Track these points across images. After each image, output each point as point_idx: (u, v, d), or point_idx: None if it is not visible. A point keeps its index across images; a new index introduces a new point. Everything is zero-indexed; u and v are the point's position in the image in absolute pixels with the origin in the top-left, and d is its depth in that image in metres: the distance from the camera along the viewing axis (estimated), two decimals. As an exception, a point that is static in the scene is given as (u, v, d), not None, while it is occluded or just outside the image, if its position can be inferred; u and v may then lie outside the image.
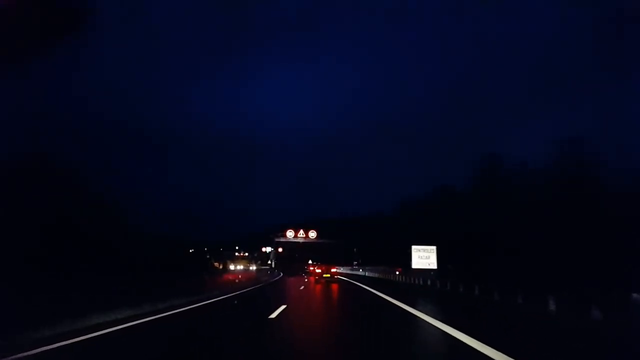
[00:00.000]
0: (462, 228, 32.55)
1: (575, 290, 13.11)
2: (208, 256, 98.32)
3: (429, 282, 25.43)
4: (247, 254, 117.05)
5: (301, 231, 64.80)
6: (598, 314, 9.85)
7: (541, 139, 60.99)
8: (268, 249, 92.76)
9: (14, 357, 5.54)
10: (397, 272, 37.45)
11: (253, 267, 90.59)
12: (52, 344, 6.40)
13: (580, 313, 10.38)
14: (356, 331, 8.96)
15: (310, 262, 57.79)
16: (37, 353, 5.89)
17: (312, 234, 64.92)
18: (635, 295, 8.94)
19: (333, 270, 37.11)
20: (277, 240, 69.06)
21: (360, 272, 60.11)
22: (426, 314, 10.68)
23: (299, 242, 67.70)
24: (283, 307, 12.55)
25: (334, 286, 27.67)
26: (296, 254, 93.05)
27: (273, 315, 10.64)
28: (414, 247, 29.97)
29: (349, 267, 70.51)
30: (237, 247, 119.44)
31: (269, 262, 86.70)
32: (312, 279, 37.68)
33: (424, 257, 29.51)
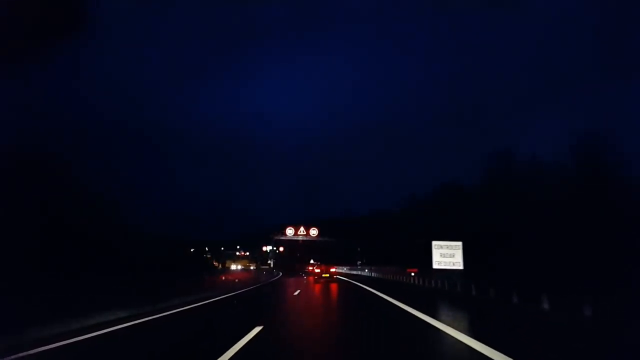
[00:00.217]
0: (471, 226, 30.14)
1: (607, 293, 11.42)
2: (209, 255, 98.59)
3: (458, 287, 20.30)
4: (247, 253, 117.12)
5: (301, 229, 61.15)
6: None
7: (554, 133, 55.55)
8: (269, 249, 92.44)
9: (14, 357, 5.55)
10: (413, 274, 31.12)
11: (252, 267, 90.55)
12: (52, 344, 6.43)
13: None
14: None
15: (311, 261, 54.06)
16: (37, 353, 5.91)
17: (313, 232, 61.43)
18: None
19: (332, 270, 37.11)
20: (276, 238, 66.19)
21: (366, 272, 53.75)
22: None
23: (299, 241, 64.61)
24: (256, 330, 7.78)
25: (336, 292, 21.70)
26: (297, 254, 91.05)
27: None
28: (434, 243, 24.41)
29: (353, 267, 66.50)
30: (238, 247, 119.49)
31: (269, 261, 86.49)
32: (311, 278, 37.70)
33: (447, 255, 24.20)
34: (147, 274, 25.23)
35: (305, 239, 62.20)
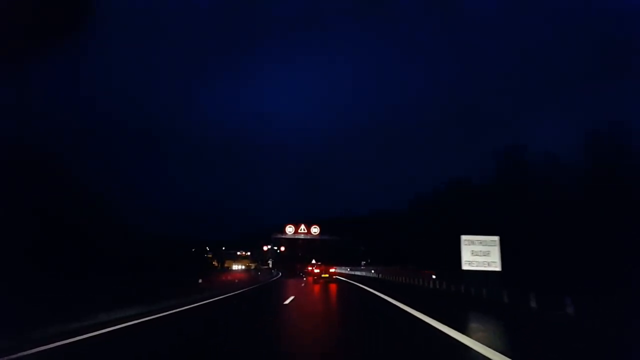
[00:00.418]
0: (481, 223, 28.23)
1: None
2: (210, 255, 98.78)
3: (504, 296, 14.97)
4: (249, 253, 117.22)
5: (302, 226, 57.57)
6: None
7: (569, 127, 53.25)
8: (270, 248, 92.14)
9: (14, 356, 5.58)
10: (433, 276, 26.93)
11: (251, 267, 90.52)
12: (52, 343, 6.46)
13: None
14: None
15: (313, 261, 51.76)
16: (37, 352, 5.94)
17: (315, 230, 57.87)
18: None
19: (331, 270, 37.25)
20: (275, 237, 62.60)
21: (372, 273, 48.25)
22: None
23: (300, 240, 61.33)
24: None
25: (341, 300, 17.45)
26: (299, 253, 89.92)
27: None
28: (464, 238, 19.84)
29: (356, 268, 61.62)
30: (239, 246, 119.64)
31: (268, 262, 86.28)
32: (310, 279, 37.77)
33: (480, 253, 19.40)
34: (145, 274, 25.27)
35: (305, 237, 59.16)
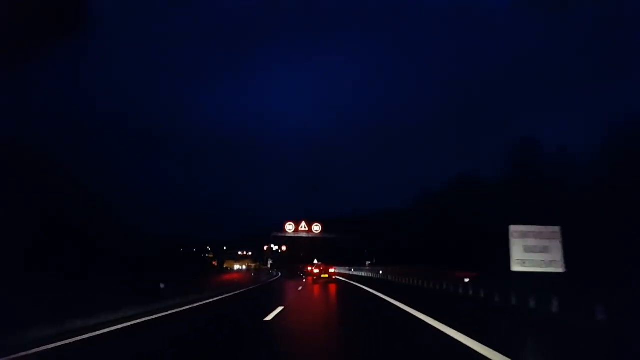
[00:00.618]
0: (493, 221, 25.92)
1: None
2: (212, 255, 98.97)
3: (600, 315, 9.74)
4: (250, 253, 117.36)
5: (303, 224, 53.61)
6: None
7: (584, 122, 48.91)
8: (272, 247, 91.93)
9: (14, 356, 5.61)
10: (467, 279, 20.24)
11: (249, 267, 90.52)
12: (51, 344, 6.50)
13: None
14: None
15: (315, 261, 48.40)
16: (37, 352, 5.97)
17: (316, 228, 53.85)
18: None
19: (331, 270, 37.44)
20: (275, 235, 58.26)
21: (380, 274, 42.07)
22: None
23: (301, 239, 57.50)
24: None
25: (350, 310, 14.42)
26: (301, 254, 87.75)
27: None
28: (513, 229, 15.31)
29: (361, 268, 57.10)
30: (241, 246, 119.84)
31: (269, 262, 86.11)
32: (310, 279, 37.85)
33: (536, 249, 14.94)
34: (145, 274, 25.31)
35: (307, 235, 54.97)
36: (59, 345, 6.48)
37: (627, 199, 19.15)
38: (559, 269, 14.70)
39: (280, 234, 56.22)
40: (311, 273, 39.73)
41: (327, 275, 35.60)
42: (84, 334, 7.45)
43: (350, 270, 59.39)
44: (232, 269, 76.44)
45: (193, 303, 14.27)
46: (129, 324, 9.10)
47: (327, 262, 44.40)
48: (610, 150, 23.71)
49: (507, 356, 5.52)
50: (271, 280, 42.84)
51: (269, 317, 10.18)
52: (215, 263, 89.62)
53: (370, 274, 48.24)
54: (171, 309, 12.01)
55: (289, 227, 53.77)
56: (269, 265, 79.36)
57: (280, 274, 64.53)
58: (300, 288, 25.42)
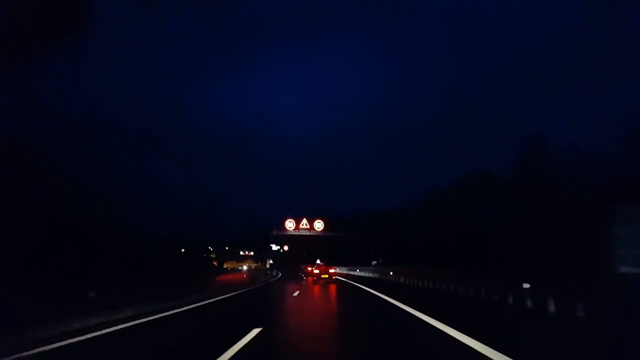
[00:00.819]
0: (505, 219, 24.81)
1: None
2: (213, 255, 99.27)
3: None
4: (252, 252, 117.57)
5: (304, 221, 49.83)
6: None
7: (596, 117, 46.60)
8: (272, 247, 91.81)
9: (14, 357, 5.63)
10: (526, 285, 12.86)
11: (243, 267, 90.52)
12: (52, 344, 6.52)
13: None
14: None
15: (318, 261, 43.88)
16: (37, 353, 5.99)
17: (319, 225, 50.12)
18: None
19: (331, 271, 37.50)
20: (275, 234, 53.81)
21: (391, 275, 35.94)
22: None
23: (303, 237, 53.22)
24: None
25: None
26: (303, 253, 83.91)
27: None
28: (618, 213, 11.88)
29: (367, 268, 51.13)
30: (243, 246, 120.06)
31: (269, 261, 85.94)
32: (310, 279, 37.92)
33: None
34: (146, 274, 25.36)
35: (308, 233, 51.04)
36: (59, 346, 6.50)
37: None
38: None
39: (280, 232, 52.08)
40: (311, 273, 39.80)
41: (327, 276, 35.69)
42: (84, 335, 7.47)
43: (355, 270, 54.68)
44: (233, 269, 76.40)
45: (132, 320, 9.77)
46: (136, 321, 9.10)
47: (329, 262, 43.55)
48: (626, 148, 22.84)
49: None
50: (268, 282, 38.34)
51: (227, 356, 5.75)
52: (215, 263, 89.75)
53: (377, 275, 42.35)
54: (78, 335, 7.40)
55: (289, 224, 49.89)
56: (267, 266, 78.85)
57: (280, 274, 64.11)
58: (296, 294, 19.60)
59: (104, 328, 8.27)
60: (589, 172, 24.40)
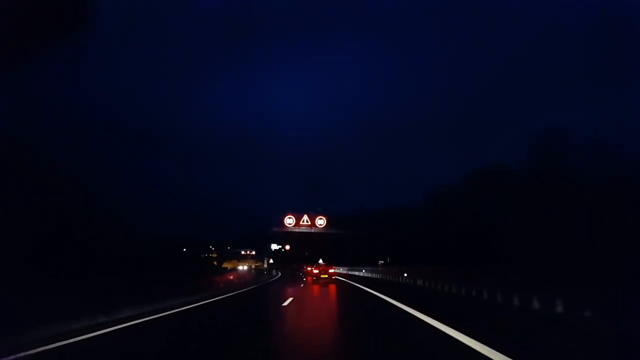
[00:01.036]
0: (518, 216, 23.32)
1: None
2: (214, 255, 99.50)
3: None
4: (254, 252, 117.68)
5: (305, 217, 46.47)
6: None
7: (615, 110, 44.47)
8: (273, 247, 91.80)
9: (14, 357, 5.65)
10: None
11: (253, 266, 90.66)
12: (52, 344, 6.55)
13: None
14: None
15: (320, 261, 42.09)
16: (37, 353, 6.02)
17: (320, 222, 46.64)
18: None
19: (331, 271, 37.65)
20: (274, 230, 50.87)
21: (405, 276, 29.26)
22: None
23: (304, 235, 49.81)
24: None
25: None
26: (306, 253, 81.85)
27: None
28: None
29: (374, 269, 45.97)
30: (245, 246, 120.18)
31: (270, 261, 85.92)
32: (309, 279, 38.02)
33: None
34: (147, 274, 25.40)
35: (309, 230, 47.13)
36: (59, 346, 6.53)
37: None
38: None
39: (279, 229, 48.27)
40: (310, 273, 39.96)
41: (326, 276, 35.91)
42: (83, 335, 7.50)
43: (361, 270, 49.63)
44: (234, 269, 76.41)
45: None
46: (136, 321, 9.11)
47: (330, 262, 43.14)
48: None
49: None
50: (262, 283, 34.61)
51: None
52: (215, 263, 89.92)
53: (387, 277, 36.38)
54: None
55: (289, 220, 46.28)
56: (265, 265, 78.58)
57: (279, 274, 63.86)
58: (287, 302, 14.53)
59: (104, 328, 8.37)
60: (608, 167, 23.17)
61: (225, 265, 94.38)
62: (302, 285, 29.33)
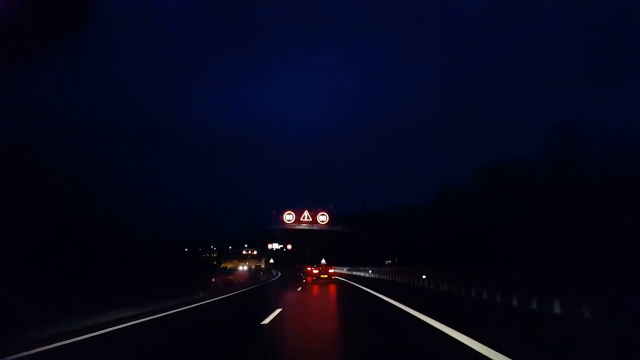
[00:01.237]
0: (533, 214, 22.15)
1: None
2: (216, 254, 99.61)
3: None
4: (255, 252, 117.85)
5: (305, 213, 42.72)
6: None
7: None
8: (274, 247, 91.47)
9: (14, 356, 5.68)
10: None
11: (253, 266, 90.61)
12: (52, 344, 6.59)
13: None
14: None
15: (323, 261, 40.62)
16: (37, 352, 6.05)
17: (322, 217, 42.94)
18: None
19: (331, 271, 38.08)
20: (274, 228, 47.69)
21: (423, 278, 25.33)
22: None
23: (303, 231, 45.65)
24: None
25: None
26: (308, 252, 78.32)
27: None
28: None
29: (380, 270, 43.65)
30: (246, 245, 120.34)
31: (271, 260, 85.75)
32: (309, 279, 38.16)
33: None
34: (147, 275, 25.45)
35: (310, 227, 43.60)
36: (59, 346, 6.56)
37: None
38: None
39: (278, 227, 45.29)
40: (310, 273, 40.15)
41: (326, 276, 36.31)
42: (83, 335, 7.53)
43: (367, 271, 46.67)
44: (234, 269, 76.42)
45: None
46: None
47: (334, 263, 43.57)
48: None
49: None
50: (252, 287, 29.24)
51: None
52: (215, 263, 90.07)
53: (399, 279, 31.41)
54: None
55: (288, 217, 42.59)
56: (262, 265, 78.11)
57: (279, 274, 63.90)
58: (272, 316, 10.42)
59: (104, 328, 8.38)
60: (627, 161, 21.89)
61: (224, 265, 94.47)
62: (299, 289, 24.04)
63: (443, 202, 39.64)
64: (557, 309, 10.00)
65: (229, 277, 42.99)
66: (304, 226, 43.56)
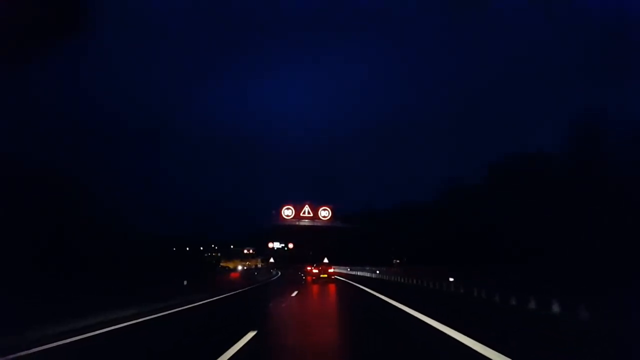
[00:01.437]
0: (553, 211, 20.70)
1: None
2: (217, 254, 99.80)
3: None
4: (255, 251, 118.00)
5: (306, 208, 39.88)
6: None
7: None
8: (275, 245, 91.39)
9: (14, 356, 5.69)
10: None
11: (253, 266, 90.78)
12: (52, 343, 6.61)
13: None
14: None
15: (326, 260, 40.24)
16: (37, 352, 6.06)
17: (325, 213, 40.15)
18: None
19: (330, 270, 38.20)
20: (273, 224, 45.01)
21: (451, 281, 18.62)
22: None
23: (304, 227, 41.83)
24: None
25: None
26: (310, 252, 75.53)
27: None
28: None
29: (388, 270, 38.39)
30: (248, 244, 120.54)
31: (271, 260, 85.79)
32: (309, 278, 38.29)
33: None
34: (147, 275, 25.48)
35: (311, 223, 40.72)
36: (59, 345, 6.58)
37: None
38: None
39: (277, 223, 41.83)
40: (310, 272, 40.33)
41: (326, 275, 36.49)
42: (83, 334, 7.56)
43: (375, 272, 42.22)
44: (234, 269, 76.54)
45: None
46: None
47: (336, 262, 43.99)
48: None
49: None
50: (249, 287, 27.69)
51: None
52: (215, 262, 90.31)
53: (413, 281, 25.84)
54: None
55: (287, 212, 39.58)
56: (259, 265, 77.84)
57: (279, 274, 63.64)
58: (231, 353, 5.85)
59: (104, 327, 8.43)
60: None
61: (224, 264, 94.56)
62: (294, 294, 19.84)
63: (451, 199, 36.67)
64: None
65: (232, 276, 42.42)
66: (304, 222, 40.53)
